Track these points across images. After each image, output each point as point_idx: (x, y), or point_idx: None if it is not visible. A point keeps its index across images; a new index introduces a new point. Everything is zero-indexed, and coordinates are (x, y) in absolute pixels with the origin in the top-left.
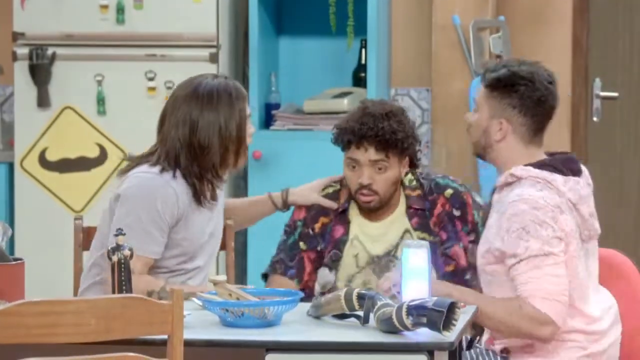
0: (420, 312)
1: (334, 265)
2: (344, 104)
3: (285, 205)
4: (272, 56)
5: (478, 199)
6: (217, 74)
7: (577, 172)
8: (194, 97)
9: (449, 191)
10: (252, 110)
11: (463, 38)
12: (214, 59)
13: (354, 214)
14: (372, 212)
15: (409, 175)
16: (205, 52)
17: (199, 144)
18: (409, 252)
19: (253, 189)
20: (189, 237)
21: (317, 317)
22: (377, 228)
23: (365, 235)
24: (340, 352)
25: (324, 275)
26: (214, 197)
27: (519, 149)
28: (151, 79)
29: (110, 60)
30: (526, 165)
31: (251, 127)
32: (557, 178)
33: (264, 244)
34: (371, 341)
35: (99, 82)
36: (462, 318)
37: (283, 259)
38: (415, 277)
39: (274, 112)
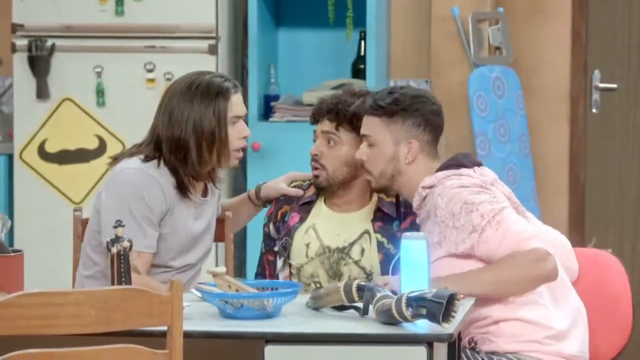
0: (419, 304)
1: (284, 252)
2: None
3: (260, 200)
4: (271, 48)
5: None
6: (215, 72)
7: (478, 164)
8: (178, 88)
9: None
10: (251, 101)
11: (462, 30)
12: (213, 50)
13: (320, 204)
14: (337, 202)
15: None
16: (205, 44)
17: (174, 137)
18: (408, 244)
19: (252, 180)
20: (175, 231)
21: (316, 309)
22: (338, 219)
23: (323, 225)
24: (340, 343)
25: (278, 262)
26: (204, 194)
27: (428, 165)
28: (150, 71)
29: (109, 52)
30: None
31: (244, 131)
32: (464, 170)
33: None
34: (370, 333)
35: (98, 74)
36: (461, 310)
37: (256, 272)
38: (414, 269)
39: (273, 103)
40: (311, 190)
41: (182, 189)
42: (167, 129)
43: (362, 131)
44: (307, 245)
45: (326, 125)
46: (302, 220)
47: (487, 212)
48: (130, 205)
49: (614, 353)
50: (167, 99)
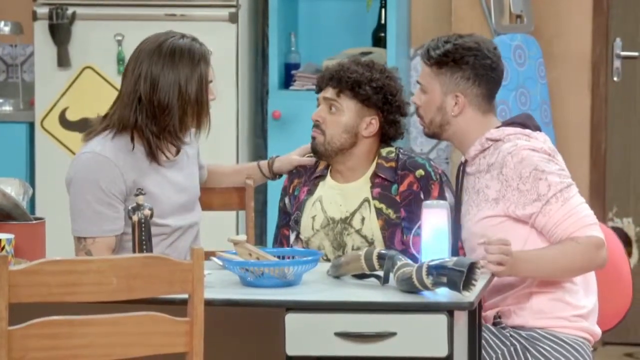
0: (440, 272)
1: (296, 227)
2: None
3: (272, 173)
4: (291, 16)
5: (447, 195)
6: (185, 34)
7: (539, 128)
8: (156, 53)
9: (420, 172)
10: (271, 70)
11: None
12: (233, 18)
13: (327, 176)
14: (340, 173)
15: (390, 148)
16: (225, 12)
17: (159, 103)
18: (429, 212)
19: (273, 148)
20: (154, 200)
21: (337, 277)
22: (341, 190)
23: (328, 197)
24: (360, 311)
25: (291, 236)
26: (177, 153)
27: (478, 119)
28: None
29: (130, 20)
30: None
31: (213, 94)
32: (530, 132)
33: None
34: (391, 301)
35: (119, 42)
36: (482, 278)
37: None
38: (435, 237)
39: (293, 72)
40: (323, 164)
41: (153, 155)
42: (150, 95)
43: (418, 78)
44: (313, 218)
45: (328, 92)
46: (310, 193)
47: (555, 184)
48: (84, 191)
49: (616, 320)
50: (141, 64)
